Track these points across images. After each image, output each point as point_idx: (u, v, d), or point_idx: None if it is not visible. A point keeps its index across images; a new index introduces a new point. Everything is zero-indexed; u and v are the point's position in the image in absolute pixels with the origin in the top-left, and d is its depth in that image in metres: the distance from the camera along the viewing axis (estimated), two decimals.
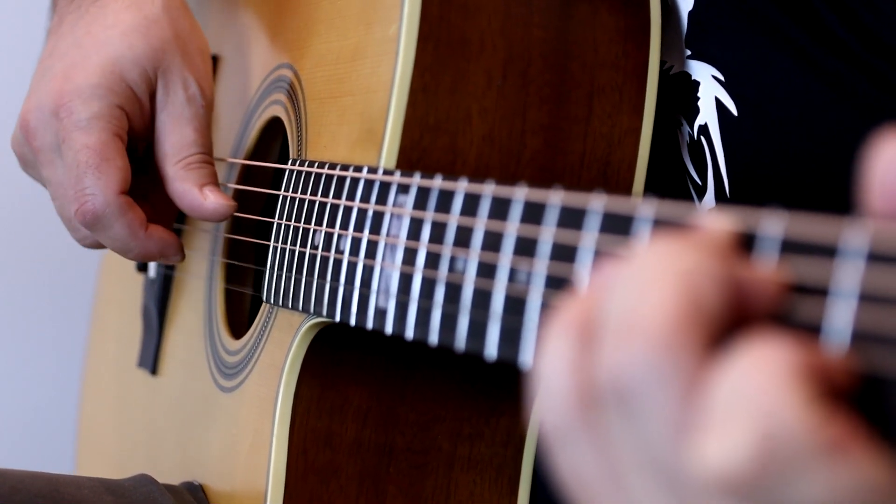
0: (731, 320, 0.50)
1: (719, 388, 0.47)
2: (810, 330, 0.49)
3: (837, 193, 0.88)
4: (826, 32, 0.88)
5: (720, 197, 0.95)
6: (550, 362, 0.53)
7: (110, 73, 1.05)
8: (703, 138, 0.95)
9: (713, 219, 0.53)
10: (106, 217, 1.04)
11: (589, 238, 0.63)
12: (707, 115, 0.94)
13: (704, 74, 0.94)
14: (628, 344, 0.50)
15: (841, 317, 0.48)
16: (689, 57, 0.96)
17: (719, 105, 0.93)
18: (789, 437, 0.45)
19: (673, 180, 1.00)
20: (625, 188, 0.94)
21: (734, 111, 0.92)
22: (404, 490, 0.98)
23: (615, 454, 0.52)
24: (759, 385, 0.46)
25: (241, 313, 1.16)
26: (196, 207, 1.05)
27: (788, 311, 0.50)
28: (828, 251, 0.50)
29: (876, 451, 0.46)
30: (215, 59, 1.27)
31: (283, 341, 0.99)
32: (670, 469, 0.49)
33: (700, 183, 0.96)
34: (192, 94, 1.07)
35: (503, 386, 0.99)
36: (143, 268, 1.30)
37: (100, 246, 1.10)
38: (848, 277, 0.49)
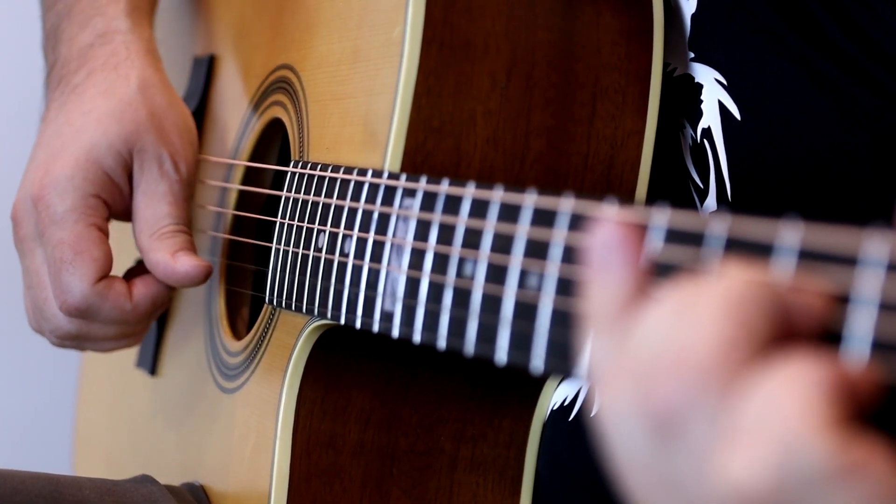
0: (776, 338, 0.51)
1: (750, 405, 0.48)
2: (832, 340, 0.49)
3: (838, 197, 0.88)
4: (826, 40, 0.88)
5: (722, 200, 0.95)
6: (612, 402, 0.54)
7: (85, 161, 1.08)
8: (705, 141, 0.95)
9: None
10: (89, 308, 1.07)
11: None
12: (710, 119, 0.94)
13: (707, 77, 0.95)
14: (678, 375, 0.51)
15: (862, 326, 0.49)
16: (693, 60, 0.96)
17: (722, 108, 0.93)
18: (808, 457, 0.46)
19: (674, 183, 1.00)
20: (628, 190, 0.94)
21: (737, 115, 0.92)
22: (407, 491, 0.98)
23: (650, 476, 0.53)
24: (785, 405, 0.47)
25: (241, 314, 1.16)
26: (169, 274, 1.08)
27: (837, 327, 0.51)
28: (847, 261, 0.50)
29: None
30: (213, 59, 1.26)
31: (286, 343, 0.99)
32: (698, 485, 0.50)
33: (702, 186, 0.96)
34: (166, 169, 1.09)
35: (506, 388, 0.99)
36: None
37: (75, 346, 1.13)
38: (868, 286, 0.49)
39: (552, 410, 1.00)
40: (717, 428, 0.50)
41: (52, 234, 1.07)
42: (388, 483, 0.98)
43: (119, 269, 1.12)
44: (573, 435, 0.98)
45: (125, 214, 1.11)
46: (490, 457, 0.99)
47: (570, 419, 0.99)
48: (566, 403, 1.00)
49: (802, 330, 0.51)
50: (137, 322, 1.11)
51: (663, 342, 0.52)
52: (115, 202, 1.10)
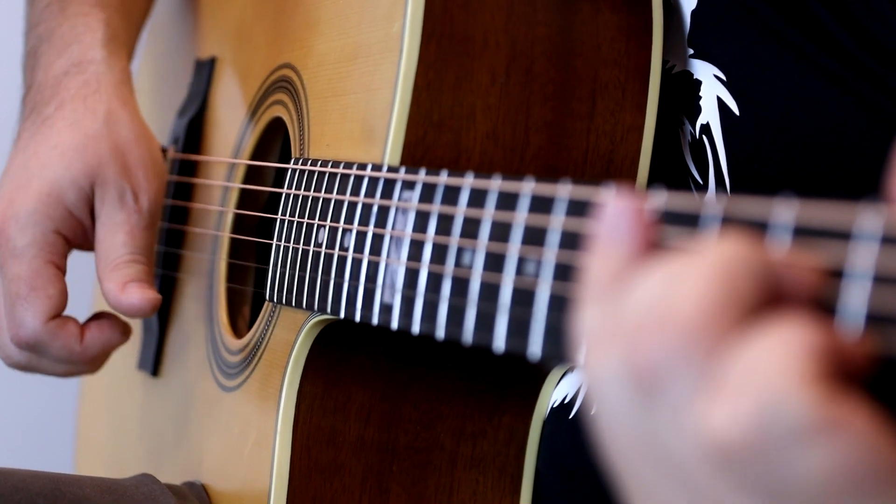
0: (765, 304, 0.51)
1: (734, 363, 0.49)
2: (828, 312, 0.50)
3: (839, 192, 0.88)
4: (824, 35, 0.88)
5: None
6: (595, 360, 0.54)
7: (47, 196, 1.09)
8: (704, 137, 0.95)
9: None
10: (39, 343, 1.09)
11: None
12: (709, 115, 0.94)
13: (706, 73, 0.95)
14: (662, 333, 0.51)
15: (856, 299, 0.49)
16: (692, 56, 0.96)
17: (721, 104, 0.94)
18: (790, 410, 0.47)
19: (674, 179, 1.00)
20: (627, 184, 0.94)
21: (736, 110, 0.92)
22: (407, 488, 0.98)
23: (632, 436, 0.53)
24: (771, 359, 0.47)
25: (242, 313, 1.16)
26: (116, 305, 1.09)
27: (829, 296, 0.51)
28: (841, 235, 0.50)
29: (881, 430, 0.47)
30: (214, 61, 1.27)
31: (287, 340, 0.99)
32: (680, 444, 0.51)
33: (701, 182, 0.97)
34: (126, 201, 1.10)
35: (506, 384, 0.99)
36: None
37: (32, 369, 1.14)
38: (862, 260, 0.49)
39: (552, 408, 1.00)
40: (700, 384, 0.50)
41: (9, 268, 1.08)
42: (388, 480, 0.98)
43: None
44: (573, 433, 0.98)
45: (88, 247, 1.13)
46: (490, 454, 0.99)
47: (570, 417, 0.99)
48: (566, 401, 1.00)
49: (792, 301, 0.51)
50: (86, 363, 1.13)
51: (651, 304, 0.52)
52: (76, 237, 1.11)
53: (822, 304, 0.50)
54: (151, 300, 1.09)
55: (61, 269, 1.10)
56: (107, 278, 1.09)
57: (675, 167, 0.99)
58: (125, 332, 1.14)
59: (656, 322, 0.51)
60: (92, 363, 1.13)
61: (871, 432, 0.46)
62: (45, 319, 1.08)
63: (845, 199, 0.52)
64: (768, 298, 0.51)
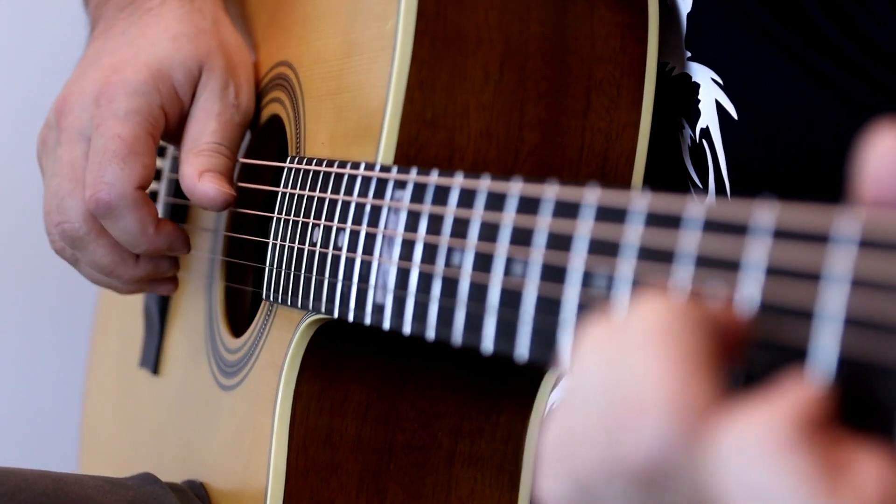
0: (720, 354, 0.50)
1: (729, 475, 0.47)
2: (803, 315, 0.49)
3: (838, 195, 0.87)
4: (822, 38, 0.88)
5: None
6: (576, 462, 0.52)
7: (157, 71, 1.08)
8: (704, 141, 0.94)
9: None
10: (119, 209, 1.05)
11: (584, 227, 0.63)
12: (708, 118, 0.94)
13: (704, 77, 0.94)
14: (641, 426, 0.49)
15: (834, 303, 0.48)
16: (690, 59, 0.96)
17: (719, 108, 0.93)
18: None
19: (673, 182, 0.99)
20: (623, 183, 0.94)
21: (734, 114, 0.92)
22: (405, 487, 0.98)
23: None
24: (758, 465, 0.46)
25: (241, 312, 1.16)
26: (190, 189, 1.06)
27: (773, 332, 0.50)
28: (819, 238, 0.50)
29: (881, 458, 0.46)
30: None
31: (283, 339, 0.99)
32: None
33: (701, 186, 0.96)
34: (227, 93, 1.10)
35: (503, 382, 0.99)
36: None
37: (69, 256, 1.11)
38: (840, 263, 0.48)
39: (549, 411, 1.00)
40: (700, 475, 0.48)
41: (109, 127, 1.05)
42: (386, 478, 0.97)
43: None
44: None
45: (175, 134, 1.11)
46: (488, 452, 0.99)
47: None
48: None
49: (736, 335, 0.51)
50: (143, 250, 1.09)
51: (604, 385, 0.50)
52: (173, 120, 1.09)
53: (797, 309, 0.50)
54: (226, 194, 1.05)
55: (156, 145, 1.08)
56: (187, 161, 1.07)
57: (675, 171, 0.99)
58: (188, 246, 1.11)
59: (630, 409, 0.49)
60: (150, 251, 1.09)
61: (876, 471, 0.46)
62: (136, 186, 1.05)
63: (833, 201, 0.52)
64: (717, 345, 0.50)
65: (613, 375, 0.50)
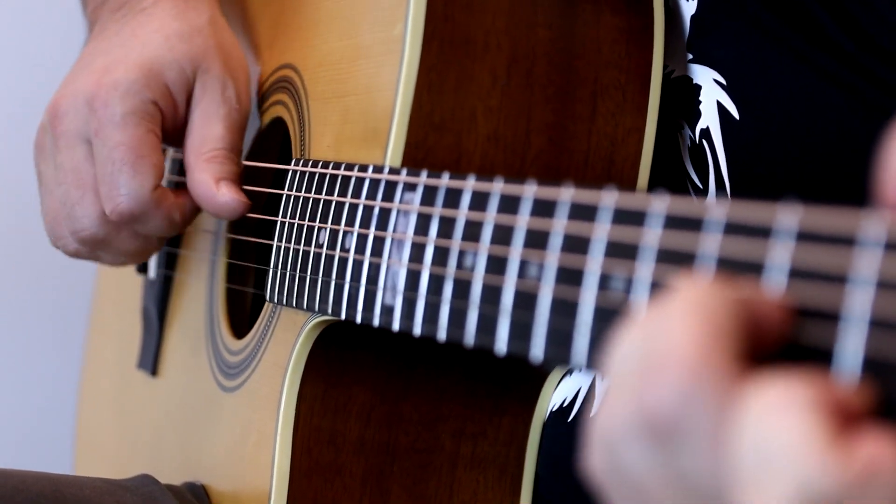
0: (749, 341, 0.51)
1: (744, 435, 0.48)
2: (830, 318, 0.50)
3: (840, 196, 0.88)
4: (823, 36, 0.88)
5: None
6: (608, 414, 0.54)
7: (149, 70, 1.07)
8: (704, 142, 0.95)
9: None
10: (143, 214, 1.06)
11: (602, 230, 0.64)
12: (709, 119, 0.94)
13: (706, 78, 0.95)
14: (662, 381, 0.51)
15: (859, 306, 0.49)
16: (691, 61, 0.96)
17: (721, 108, 0.94)
18: (822, 484, 0.46)
19: (673, 184, 1.00)
20: (628, 186, 0.94)
21: (736, 115, 0.93)
22: (408, 489, 0.98)
23: (654, 486, 0.53)
24: (782, 436, 0.47)
25: (242, 313, 1.17)
26: (209, 199, 1.06)
27: (798, 333, 0.51)
28: (845, 241, 0.50)
29: None
30: None
31: (287, 340, 0.99)
32: (712, 496, 0.50)
33: (701, 186, 0.97)
34: (228, 95, 1.09)
35: (506, 385, 0.99)
36: (142, 269, 1.30)
37: (90, 254, 1.11)
38: (866, 267, 0.49)
39: (552, 411, 1.00)
40: (717, 430, 0.50)
41: (110, 135, 1.05)
42: (389, 480, 0.98)
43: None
44: (572, 436, 0.98)
45: (174, 133, 1.10)
46: (490, 455, 0.99)
47: (569, 420, 0.99)
48: (565, 405, 1.00)
49: (774, 334, 0.52)
50: (180, 231, 1.10)
51: (641, 351, 0.52)
52: (168, 117, 1.09)
53: (823, 310, 0.50)
54: (244, 203, 1.06)
55: (160, 141, 1.08)
56: (200, 168, 1.07)
57: (675, 172, 0.99)
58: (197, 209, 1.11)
59: (654, 367, 0.51)
60: (162, 244, 1.11)
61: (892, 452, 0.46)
62: (152, 188, 1.05)
63: (848, 204, 0.52)
64: (752, 335, 0.52)
65: (648, 344, 0.52)
